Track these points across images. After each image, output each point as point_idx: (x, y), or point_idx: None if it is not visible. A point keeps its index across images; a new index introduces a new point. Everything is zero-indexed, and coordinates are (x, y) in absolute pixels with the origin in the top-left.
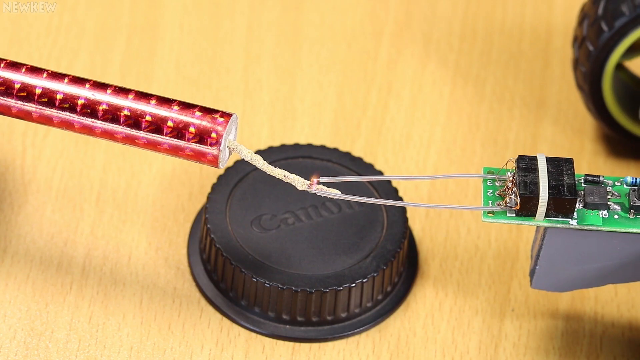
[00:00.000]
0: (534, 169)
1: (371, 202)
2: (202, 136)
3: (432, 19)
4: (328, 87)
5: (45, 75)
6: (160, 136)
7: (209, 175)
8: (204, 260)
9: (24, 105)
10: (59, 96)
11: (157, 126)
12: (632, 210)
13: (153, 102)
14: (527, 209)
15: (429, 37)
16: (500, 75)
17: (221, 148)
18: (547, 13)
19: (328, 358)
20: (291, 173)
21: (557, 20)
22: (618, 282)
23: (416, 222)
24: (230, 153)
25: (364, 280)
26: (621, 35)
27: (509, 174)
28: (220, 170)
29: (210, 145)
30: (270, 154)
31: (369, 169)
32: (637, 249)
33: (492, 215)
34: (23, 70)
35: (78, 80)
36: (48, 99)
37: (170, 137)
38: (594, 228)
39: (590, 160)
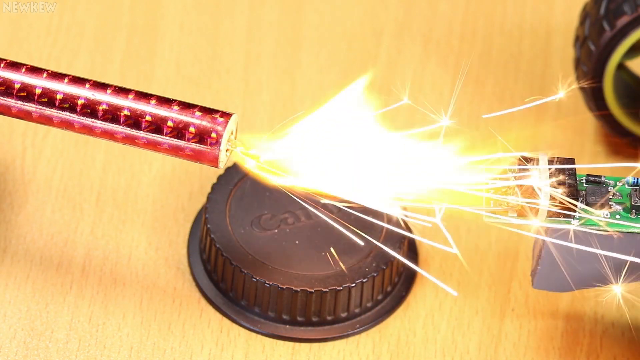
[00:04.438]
0: (536, 170)
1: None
2: (202, 136)
3: (432, 19)
4: (328, 87)
5: (45, 75)
6: (160, 136)
7: (209, 175)
8: (204, 260)
9: (24, 105)
10: (59, 96)
11: (157, 126)
12: (633, 210)
13: (153, 102)
14: (529, 209)
15: (429, 37)
16: (500, 75)
17: (221, 148)
18: (547, 13)
19: (328, 358)
20: None
21: (557, 20)
22: (619, 282)
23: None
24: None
25: (364, 280)
26: (623, 35)
27: (511, 174)
28: (220, 170)
29: (210, 145)
30: None
31: None
32: (638, 249)
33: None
34: (23, 70)
35: (78, 80)
36: (48, 99)
37: (170, 137)
38: (596, 228)
39: (590, 160)
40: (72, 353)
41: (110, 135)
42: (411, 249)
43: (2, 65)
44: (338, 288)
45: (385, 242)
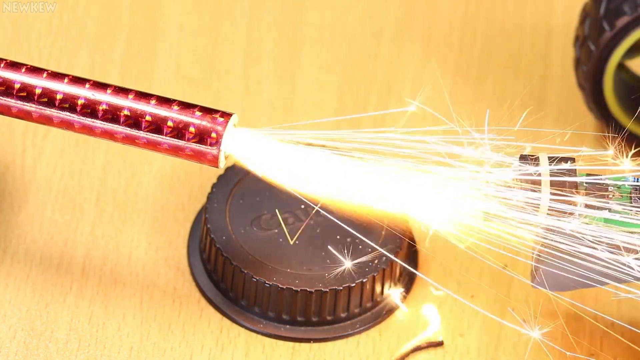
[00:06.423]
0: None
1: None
2: (202, 136)
3: (432, 19)
4: (328, 87)
5: (45, 75)
6: (160, 136)
7: (209, 175)
8: (204, 260)
9: (24, 105)
10: (59, 96)
11: (157, 126)
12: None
13: (153, 102)
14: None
15: (429, 37)
16: (500, 75)
17: (221, 148)
18: (547, 13)
19: (328, 358)
20: None
21: (557, 20)
22: (620, 282)
23: (416, 222)
24: None
25: (364, 280)
26: (623, 34)
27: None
28: (220, 170)
29: (210, 145)
30: None
31: None
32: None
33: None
34: (23, 70)
35: (78, 80)
36: (48, 99)
37: (170, 137)
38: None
39: (590, 160)
40: (72, 353)
41: (110, 135)
42: (411, 249)
43: (2, 65)
44: (338, 288)
45: (385, 241)
